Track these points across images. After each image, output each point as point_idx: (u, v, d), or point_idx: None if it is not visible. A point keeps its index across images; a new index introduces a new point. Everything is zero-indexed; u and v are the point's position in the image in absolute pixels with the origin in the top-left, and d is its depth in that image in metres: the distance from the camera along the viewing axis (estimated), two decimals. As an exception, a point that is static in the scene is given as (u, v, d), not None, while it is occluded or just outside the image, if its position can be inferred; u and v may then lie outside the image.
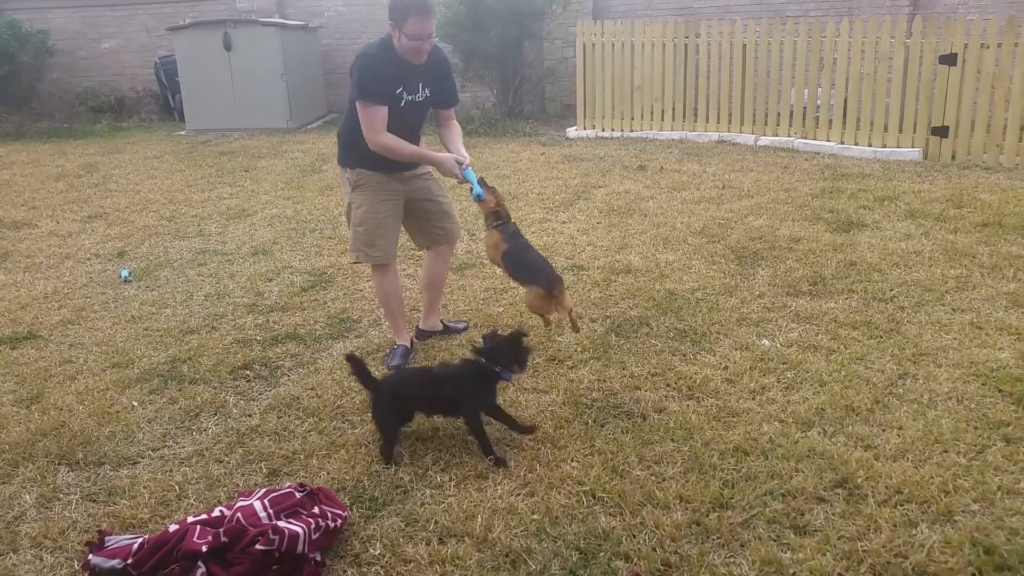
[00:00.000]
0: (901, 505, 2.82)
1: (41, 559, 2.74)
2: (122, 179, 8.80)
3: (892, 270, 5.07)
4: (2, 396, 3.91)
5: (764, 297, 4.76)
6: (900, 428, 3.30)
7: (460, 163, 3.88)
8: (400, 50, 3.67)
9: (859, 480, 2.95)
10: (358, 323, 4.67)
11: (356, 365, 3.36)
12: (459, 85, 4.41)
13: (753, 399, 3.59)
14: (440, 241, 4.28)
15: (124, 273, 5.60)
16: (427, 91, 3.88)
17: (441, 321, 4.49)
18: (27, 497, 3.08)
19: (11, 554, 2.77)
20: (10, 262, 6.05)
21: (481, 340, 3.39)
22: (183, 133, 11.96)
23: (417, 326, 4.45)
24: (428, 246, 4.31)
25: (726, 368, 3.89)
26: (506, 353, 3.30)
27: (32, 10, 14.26)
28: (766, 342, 4.16)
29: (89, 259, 6.06)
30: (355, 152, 3.89)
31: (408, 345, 4.23)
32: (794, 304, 4.63)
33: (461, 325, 4.55)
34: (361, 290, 5.18)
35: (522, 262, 3.97)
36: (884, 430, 3.30)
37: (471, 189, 3.99)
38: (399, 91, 3.76)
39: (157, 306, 5.05)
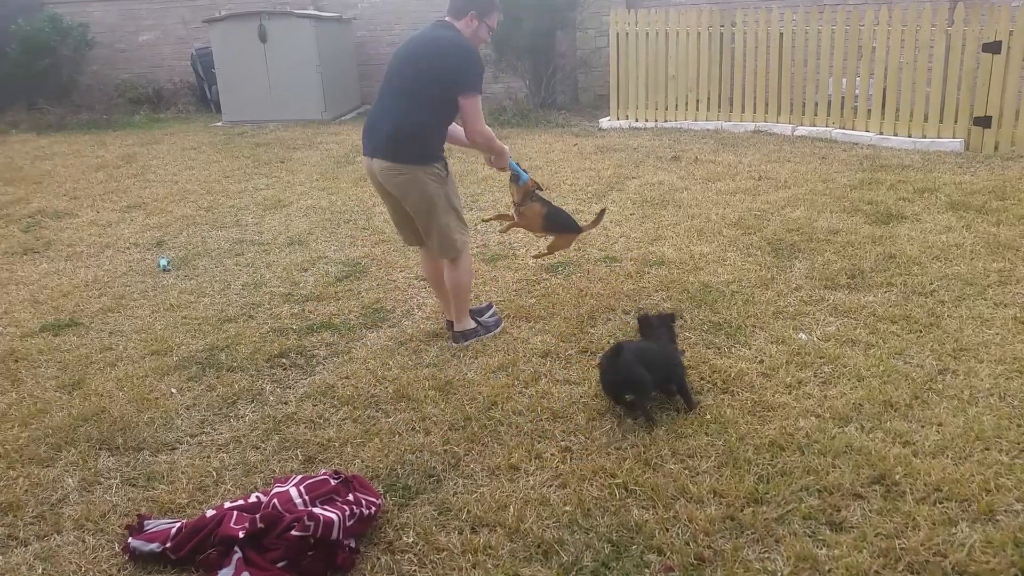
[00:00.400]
0: (940, 503, 2.77)
1: (83, 541, 2.80)
2: (160, 170, 8.92)
3: (932, 263, 4.97)
4: (45, 382, 4.00)
5: (801, 290, 4.70)
6: (940, 424, 3.24)
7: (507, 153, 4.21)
8: (471, 40, 3.79)
9: (897, 477, 2.91)
10: (392, 313, 4.70)
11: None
12: (492, 76, 4.70)
13: (789, 393, 3.55)
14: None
15: (163, 262, 5.69)
16: None
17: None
18: (69, 480, 3.15)
19: (55, 535, 2.84)
20: (52, 251, 6.17)
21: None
22: (219, 124, 12.09)
23: (448, 320, 4.37)
24: (420, 243, 4.27)
25: (762, 362, 3.85)
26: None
27: (72, 4, 14.48)
28: (803, 336, 4.11)
29: (128, 248, 6.17)
30: (435, 144, 3.93)
31: (476, 327, 4.31)
32: (832, 297, 4.57)
33: (487, 306, 4.56)
34: (394, 280, 5.21)
35: (558, 216, 4.60)
36: (923, 426, 3.24)
37: (512, 177, 4.36)
38: None
39: (195, 295, 5.12)
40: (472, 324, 4.27)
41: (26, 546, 2.79)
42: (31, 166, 9.41)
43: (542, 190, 4.62)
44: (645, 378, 3.31)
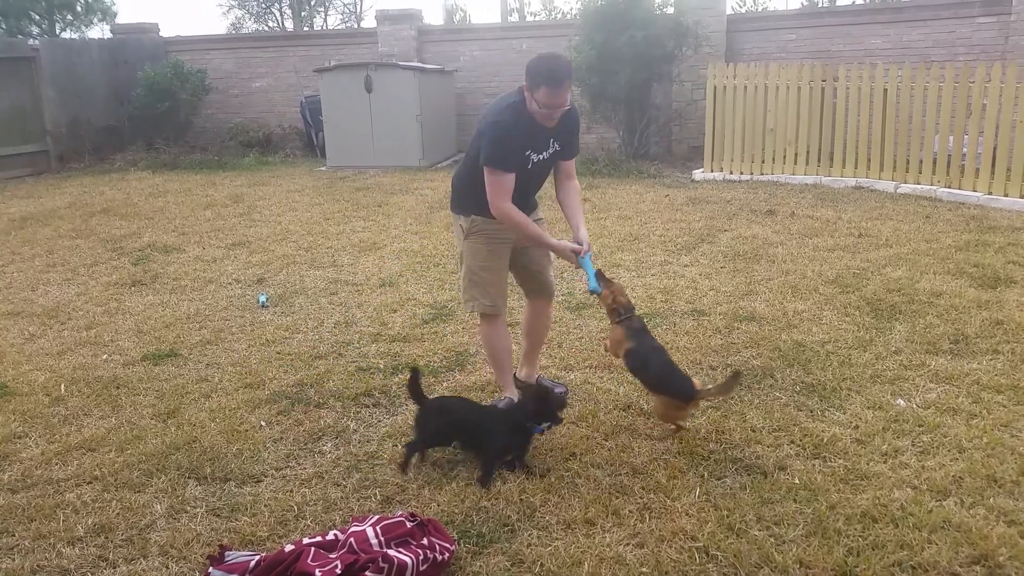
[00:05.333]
0: (1051, 591, 2.57)
1: (167, 567, 2.88)
2: (265, 210, 9.33)
3: (1046, 331, 4.68)
4: (142, 409, 4.18)
5: (900, 354, 4.49)
6: (1052, 505, 3.01)
7: (577, 252, 3.76)
8: (531, 111, 3.62)
9: (1001, 558, 2.71)
10: (474, 357, 4.73)
11: (413, 379, 3.60)
12: (585, 127, 4.31)
13: (884, 462, 3.38)
14: (534, 295, 4.17)
15: (262, 298, 5.91)
16: (557, 145, 3.79)
17: (539, 379, 4.29)
18: (158, 507, 3.26)
19: (141, 559, 2.93)
20: (159, 283, 6.50)
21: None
22: (323, 169, 12.58)
23: (514, 373, 4.27)
24: (528, 296, 4.23)
25: (856, 427, 3.68)
26: (542, 411, 3.45)
27: (194, 51, 15.50)
28: (901, 402, 3.91)
29: (230, 284, 6.43)
30: (470, 200, 3.83)
31: (514, 398, 4.04)
32: (933, 363, 4.34)
33: (559, 389, 4.13)
34: (479, 325, 5.24)
35: (649, 366, 3.65)
36: (1033, 506, 3.02)
37: (587, 279, 3.82)
38: (527, 153, 3.70)
39: (290, 331, 5.29)
40: (507, 396, 4.07)
41: (114, 568, 2.89)
42: (145, 202, 9.99)
43: (631, 310, 3.77)
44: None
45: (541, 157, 3.75)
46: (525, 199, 3.83)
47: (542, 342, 4.37)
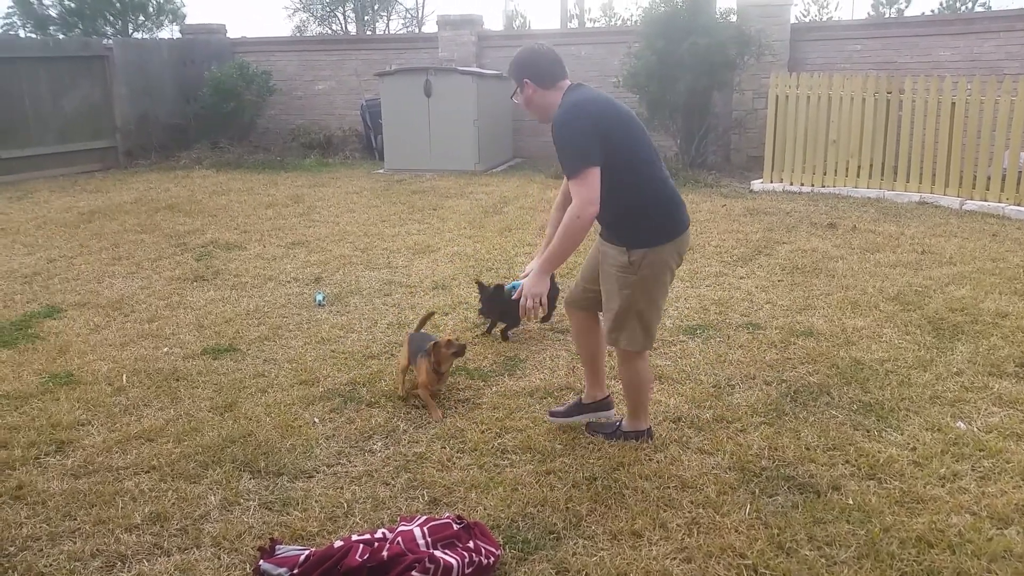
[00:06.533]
0: (1119, 629, 2.47)
1: (219, 558, 2.95)
2: (324, 211, 9.49)
3: (1120, 358, 4.50)
4: (200, 402, 4.29)
5: (962, 375, 4.37)
6: (1122, 540, 2.89)
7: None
8: None
9: (1066, 593, 2.61)
10: (524, 363, 4.74)
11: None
12: None
13: (943, 486, 3.28)
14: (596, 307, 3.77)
15: (319, 297, 6.02)
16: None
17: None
18: (212, 498, 3.34)
19: (194, 549, 3.01)
20: (220, 279, 6.66)
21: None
22: (381, 171, 12.75)
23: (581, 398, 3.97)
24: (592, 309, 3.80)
25: (914, 449, 3.59)
26: None
27: (259, 52, 15.85)
28: (961, 425, 3.80)
29: (289, 282, 6.56)
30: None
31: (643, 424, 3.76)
32: (996, 386, 4.21)
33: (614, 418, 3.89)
34: (529, 331, 5.26)
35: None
36: (1101, 539, 2.91)
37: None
38: None
39: (345, 330, 5.37)
40: (645, 424, 3.80)
41: (168, 556, 2.97)
42: (208, 200, 10.25)
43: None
44: None
45: None
46: None
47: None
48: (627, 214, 3.40)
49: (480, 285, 5.31)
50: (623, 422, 3.82)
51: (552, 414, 3.96)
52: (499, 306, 5.03)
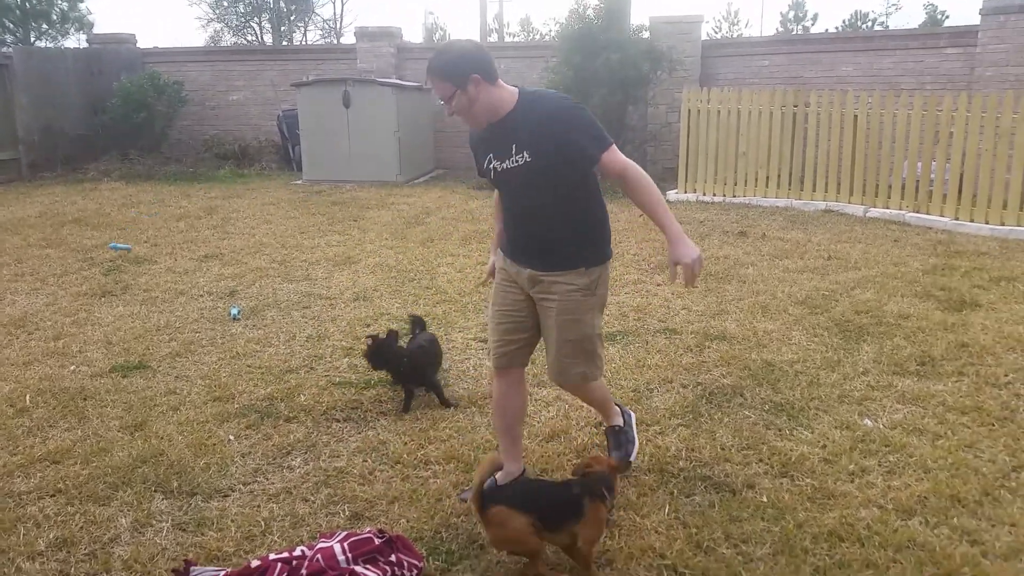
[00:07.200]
0: (1012, 610, 2.60)
1: (131, 582, 2.84)
2: (239, 222, 9.27)
3: (1007, 354, 4.77)
4: (110, 421, 4.12)
5: (868, 374, 4.56)
6: (1013, 525, 3.06)
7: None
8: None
9: (965, 578, 2.74)
10: (447, 373, 4.72)
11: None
12: None
13: (851, 482, 3.41)
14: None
15: (234, 311, 5.86)
16: (527, 156, 3.01)
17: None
18: (123, 520, 3.21)
19: (103, 574, 2.88)
20: (129, 295, 6.43)
21: None
22: (299, 182, 12.54)
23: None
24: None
25: (824, 447, 3.72)
26: None
27: (171, 63, 15.44)
28: (868, 422, 3.97)
29: (202, 296, 6.38)
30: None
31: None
32: (900, 384, 4.41)
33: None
34: (452, 340, 5.25)
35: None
36: (994, 525, 3.07)
37: None
38: (488, 159, 3.14)
39: (261, 344, 5.25)
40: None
41: (76, 582, 2.84)
42: (117, 213, 9.89)
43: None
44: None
45: (504, 165, 3.08)
46: (513, 223, 3.25)
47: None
48: (594, 226, 3.22)
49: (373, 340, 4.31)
50: (615, 424, 3.57)
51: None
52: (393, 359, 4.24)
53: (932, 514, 3.14)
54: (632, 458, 3.52)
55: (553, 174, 3.06)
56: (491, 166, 3.12)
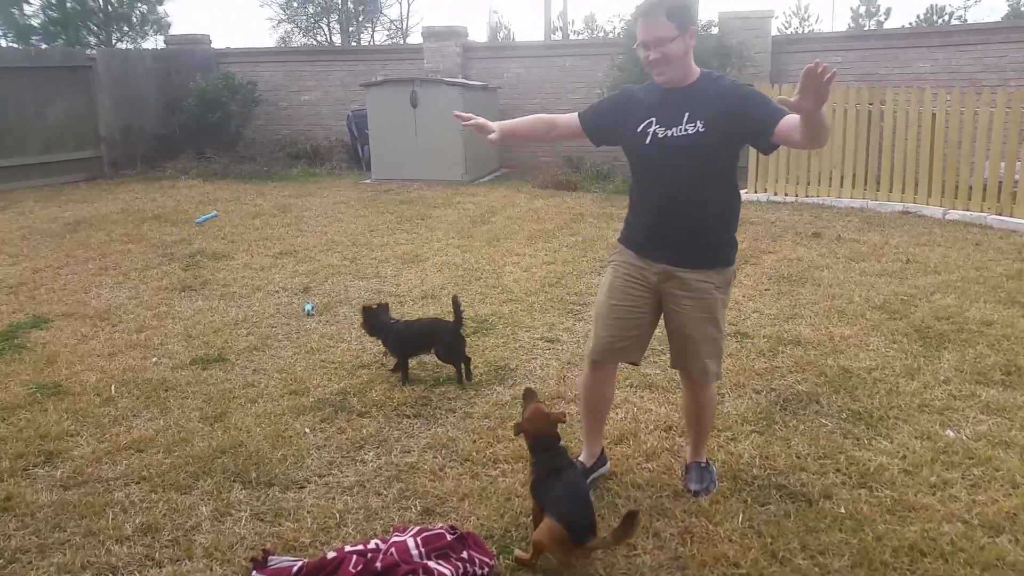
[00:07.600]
0: (1109, 634, 2.49)
1: (211, 569, 2.93)
2: (312, 220, 9.46)
3: (1103, 365, 4.56)
4: (190, 412, 4.26)
5: (950, 383, 4.41)
6: (1110, 545, 2.93)
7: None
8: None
9: (1057, 599, 2.64)
10: (514, 372, 4.74)
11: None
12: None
13: (933, 494, 3.31)
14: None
15: (308, 307, 5.99)
16: (700, 125, 2.97)
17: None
18: (204, 509, 3.31)
19: (186, 561, 2.98)
20: (208, 289, 6.63)
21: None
22: (368, 181, 12.73)
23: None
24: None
25: (904, 458, 3.61)
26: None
27: (244, 63, 15.82)
28: (951, 433, 3.84)
29: (277, 292, 6.53)
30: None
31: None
32: (984, 394, 4.25)
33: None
34: (519, 340, 5.26)
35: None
36: (1090, 545, 2.94)
37: None
38: (646, 124, 3.08)
39: (334, 340, 5.35)
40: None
41: (160, 567, 2.95)
42: (195, 209, 10.19)
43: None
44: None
45: (669, 133, 3.01)
46: (650, 209, 3.17)
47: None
48: (731, 218, 3.19)
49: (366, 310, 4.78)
50: (699, 460, 3.48)
51: None
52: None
53: (1022, 532, 3.02)
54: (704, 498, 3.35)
55: (718, 149, 3.05)
56: (651, 130, 3.05)
